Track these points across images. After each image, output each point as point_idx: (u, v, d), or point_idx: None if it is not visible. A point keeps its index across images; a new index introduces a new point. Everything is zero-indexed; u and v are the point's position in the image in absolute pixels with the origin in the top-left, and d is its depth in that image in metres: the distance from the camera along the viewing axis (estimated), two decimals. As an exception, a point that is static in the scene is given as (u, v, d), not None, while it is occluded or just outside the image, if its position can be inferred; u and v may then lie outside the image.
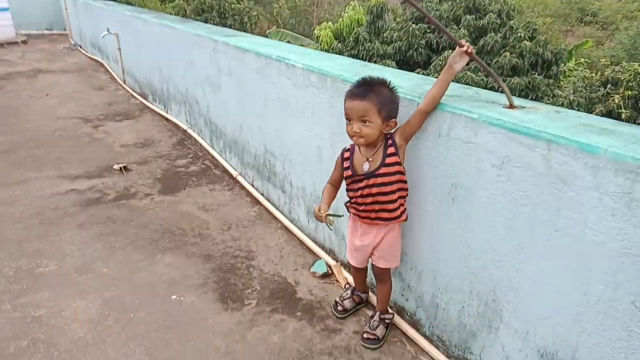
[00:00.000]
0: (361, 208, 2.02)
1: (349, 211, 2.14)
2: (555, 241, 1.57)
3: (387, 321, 2.30)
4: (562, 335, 1.62)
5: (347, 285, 2.57)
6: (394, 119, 1.91)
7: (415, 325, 2.31)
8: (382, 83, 1.91)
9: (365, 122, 1.86)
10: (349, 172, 2.01)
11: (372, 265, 2.26)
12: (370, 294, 2.52)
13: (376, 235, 2.09)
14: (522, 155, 1.60)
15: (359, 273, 2.40)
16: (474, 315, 1.96)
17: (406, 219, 2.08)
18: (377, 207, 1.98)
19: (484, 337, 1.93)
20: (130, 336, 2.26)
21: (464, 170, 1.83)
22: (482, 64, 1.91)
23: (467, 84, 8.39)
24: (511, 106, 1.81)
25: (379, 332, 2.26)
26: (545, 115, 1.72)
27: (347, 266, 2.76)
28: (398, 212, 2.01)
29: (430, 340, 2.23)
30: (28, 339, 2.22)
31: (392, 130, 1.95)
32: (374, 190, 1.95)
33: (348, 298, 2.45)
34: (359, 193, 1.99)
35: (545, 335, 1.67)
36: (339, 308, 2.42)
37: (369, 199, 1.98)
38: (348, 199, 2.11)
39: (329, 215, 2.03)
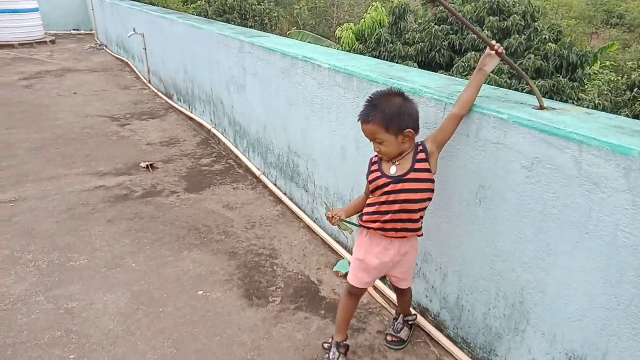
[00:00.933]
0: (387, 217, 1.84)
1: (365, 227, 1.95)
2: (585, 243, 1.56)
3: (410, 322, 2.31)
4: (591, 339, 1.61)
5: (325, 345, 2.19)
6: (408, 129, 1.77)
7: (439, 326, 2.31)
8: (389, 95, 1.81)
9: (379, 143, 1.80)
10: (378, 174, 1.86)
11: (394, 287, 2.17)
12: (391, 292, 2.52)
13: (398, 251, 1.95)
14: (553, 156, 1.60)
15: (353, 301, 2.10)
16: (499, 317, 1.95)
17: (422, 233, 1.99)
18: (404, 215, 1.84)
19: (509, 340, 1.93)
20: (158, 329, 2.31)
21: (493, 171, 1.84)
22: (512, 65, 1.91)
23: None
24: (541, 107, 1.80)
25: (403, 334, 2.27)
26: (576, 116, 1.71)
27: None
28: (420, 223, 1.91)
29: (455, 342, 2.23)
30: (61, 329, 2.29)
31: (417, 140, 1.86)
32: (402, 196, 1.81)
33: (337, 352, 2.12)
34: (383, 198, 1.84)
35: (574, 338, 1.67)
36: None
37: (396, 206, 1.82)
38: (367, 213, 1.92)
39: (343, 220, 1.97)
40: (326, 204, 2.11)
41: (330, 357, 2.12)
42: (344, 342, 2.14)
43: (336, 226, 2.01)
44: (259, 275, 2.77)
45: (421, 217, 1.91)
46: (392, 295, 2.52)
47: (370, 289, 2.63)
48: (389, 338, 2.27)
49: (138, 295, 2.55)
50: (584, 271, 1.58)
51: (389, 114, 1.75)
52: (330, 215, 1.98)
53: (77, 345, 2.20)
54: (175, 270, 2.78)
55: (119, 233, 3.16)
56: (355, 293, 2.07)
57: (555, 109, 1.82)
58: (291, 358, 2.16)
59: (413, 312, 2.36)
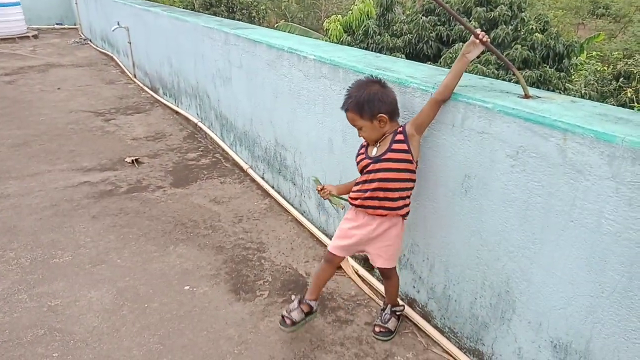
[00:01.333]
0: (366, 195, 1.99)
1: (351, 204, 2.09)
2: (570, 232, 1.56)
3: (398, 313, 2.31)
4: (576, 326, 1.61)
5: (292, 296, 2.27)
6: (381, 114, 1.90)
7: (427, 316, 2.31)
8: (364, 83, 1.96)
9: (359, 128, 1.98)
10: (363, 156, 2.02)
11: (379, 270, 2.21)
12: (379, 284, 2.52)
13: (376, 228, 2.04)
14: (537, 145, 1.60)
15: (329, 268, 2.20)
16: (486, 306, 1.96)
17: (406, 215, 2.06)
18: (381, 194, 1.96)
19: (496, 329, 1.93)
20: (144, 325, 2.28)
21: (478, 161, 1.83)
22: (496, 53, 1.90)
23: (477, 77, 8.33)
24: (526, 96, 1.79)
25: (391, 324, 2.26)
26: (561, 105, 1.71)
27: (356, 259, 2.76)
28: (399, 203, 1.99)
29: (442, 332, 2.23)
30: (45, 327, 2.25)
31: (399, 123, 1.99)
32: (379, 175, 1.94)
33: (295, 309, 2.16)
34: (364, 178, 2.00)
35: (559, 326, 1.67)
36: (287, 322, 2.13)
37: (374, 184, 1.96)
38: (353, 191, 2.07)
39: (333, 195, 2.11)
40: (316, 178, 2.19)
41: (289, 307, 2.18)
42: (308, 300, 2.20)
43: (327, 200, 2.15)
44: (246, 269, 2.75)
45: (401, 198, 1.99)
46: (380, 287, 2.52)
47: (358, 281, 2.62)
48: (376, 329, 2.26)
49: (123, 292, 2.52)
50: (568, 259, 1.59)
51: (360, 101, 1.91)
52: (319, 189, 2.12)
53: (61, 343, 2.16)
54: (161, 266, 2.75)
55: (103, 229, 3.12)
56: (329, 259, 2.18)
57: (540, 97, 1.81)
58: (279, 351, 2.15)
59: (401, 303, 2.36)
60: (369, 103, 1.90)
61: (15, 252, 2.84)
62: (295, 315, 2.14)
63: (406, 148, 1.91)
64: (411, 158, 1.93)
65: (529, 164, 1.64)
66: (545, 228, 1.63)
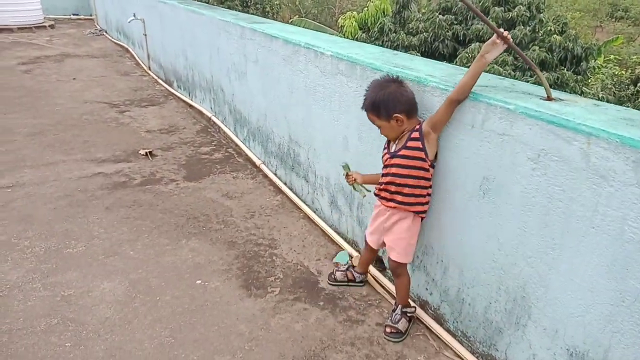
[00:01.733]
0: (382, 187, 2.11)
1: (375, 195, 2.20)
2: (591, 238, 1.53)
3: (409, 315, 2.28)
4: (594, 335, 1.58)
5: (350, 262, 2.66)
6: (396, 114, 1.96)
7: (439, 319, 2.29)
8: (380, 83, 2.02)
9: (379, 127, 2.06)
10: (385, 151, 2.13)
11: (388, 258, 2.26)
12: (390, 285, 2.50)
13: (387, 219, 2.15)
14: (560, 148, 1.56)
15: (365, 252, 2.49)
16: (501, 311, 1.93)
17: (420, 213, 2.08)
18: (392, 187, 2.06)
19: (510, 334, 1.90)
20: (156, 318, 2.29)
21: (498, 163, 1.80)
22: (519, 53, 1.86)
23: (493, 77, 8.23)
24: (549, 98, 1.76)
25: (401, 325, 2.24)
26: (585, 108, 1.68)
27: (370, 257, 2.74)
28: (411, 200, 2.04)
29: (454, 335, 2.20)
30: (58, 317, 2.27)
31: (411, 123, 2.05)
32: (393, 170, 2.04)
33: (342, 271, 2.59)
34: (383, 171, 2.11)
35: (576, 334, 1.64)
36: (331, 277, 2.60)
37: (387, 178, 2.07)
38: (378, 183, 2.19)
39: (357, 183, 2.26)
40: (347, 164, 2.32)
41: (339, 267, 2.63)
42: (354, 270, 2.57)
43: (349, 183, 2.32)
44: (257, 265, 2.74)
45: (413, 195, 2.03)
46: (392, 288, 2.50)
47: (370, 280, 2.60)
48: (387, 330, 2.24)
49: (136, 284, 2.53)
50: (588, 266, 1.55)
51: (376, 103, 2.00)
52: (346, 174, 2.28)
53: (74, 333, 2.17)
54: (173, 259, 2.76)
55: (117, 221, 3.13)
56: (364, 243, 2.42)
57: (563, 100, 1.78)
58: (289, 349, 2.14)
59: (412, 304, 2.34)
60: (384, 104, 1.97)
61: (30, 241, 2.87)
62: (339, 275, 2.59)
63: (420, 146, 1.96)
64: (424, 156, 1.97)
65: (550, 168, 1.61)
66: (565, 234, 1.60)
